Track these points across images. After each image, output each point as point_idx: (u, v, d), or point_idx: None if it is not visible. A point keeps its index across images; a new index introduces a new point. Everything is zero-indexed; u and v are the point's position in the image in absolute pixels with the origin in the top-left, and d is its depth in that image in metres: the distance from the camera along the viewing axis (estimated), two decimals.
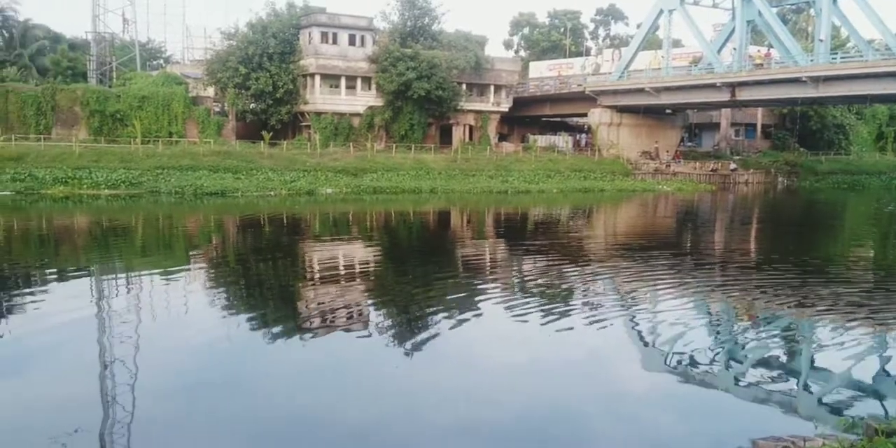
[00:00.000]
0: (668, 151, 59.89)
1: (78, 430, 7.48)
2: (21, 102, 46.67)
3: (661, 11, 54.49)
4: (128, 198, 36.36)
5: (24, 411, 8.14)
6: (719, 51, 53.48)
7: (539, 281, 16.86)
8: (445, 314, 12.93)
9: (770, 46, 53.60)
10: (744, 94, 48.90)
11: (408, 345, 11.13)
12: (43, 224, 27.31)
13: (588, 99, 57.27)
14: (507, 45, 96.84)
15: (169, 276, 16.69)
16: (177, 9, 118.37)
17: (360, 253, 21.68)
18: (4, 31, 68.94)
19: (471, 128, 57.50)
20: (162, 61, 75.30)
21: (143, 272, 17.11)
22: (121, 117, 48.20)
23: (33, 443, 7.18)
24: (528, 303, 14.09)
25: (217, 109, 53.26)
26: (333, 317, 12.92)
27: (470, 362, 10.52)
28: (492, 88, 56.97)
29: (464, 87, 54.71)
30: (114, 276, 16.85)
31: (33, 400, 8.47)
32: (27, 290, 14.71)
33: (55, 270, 17.34)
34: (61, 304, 13.35)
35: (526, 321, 12.60)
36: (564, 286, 16.37)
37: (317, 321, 12.60)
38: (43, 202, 33.74)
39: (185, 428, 7.83)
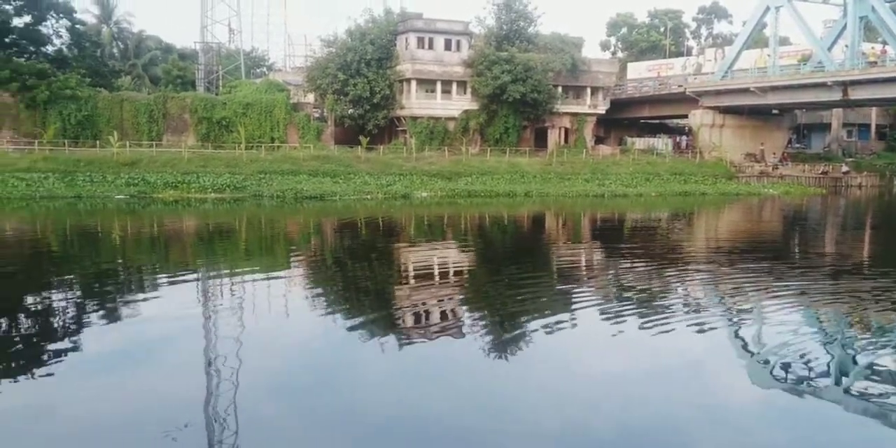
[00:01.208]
0: (774, 153, 57.64)
1: (188, 425, 7.75)
2: (135, 110, 49.12)
3: (768, 8, 52.52)
4: (232, 201, 37.70)
5: (139, 406, 8.50)
6: (830, 48, 51.14)
7: (637, 285, 16.48)
8: (540, 318, 12.80)
9: (885, 43, 50.82)
10: (857, 94, 46.52)
11: (502, 348, 11.07)
12: (154, 227, 28.64)
13: (689, 100, 55.77)
14: (604, 47, 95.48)
15: (270, 278, 17.17)
16: (279, 18, 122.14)
17: (454, 256, 21.76)
18: (120, 43, 72.81)
19: (566, 130, 56.91)
20: (265, 69, 77.86)
21: (246, 273, 17.67)
22: (226, 124, 50.07)
23: (148, 436, 7.49)
24: (625, 307, 13.79)
25: (317, 115, 54.62)
26: (429, 319, 12.99)
27: (565, 367, 10.37)
28: (588, 90, 56.23)
29: (559, 89, 54.22)
30: (219, 276, 17.47)
31: (146, 395, 8.84)
32: (140, 290, 15.43)
33: (165, 271, 18.13)
34: (171, 303, 13.94)
35: (623, 326, 12.33)
36: (663, 291, 15.95)
37: (412, 323, 12.69)
38: (154, 205, 35.37)
39: (286, 427, 8.01)
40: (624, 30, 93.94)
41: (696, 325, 12.49)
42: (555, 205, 40.53)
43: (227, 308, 13.64)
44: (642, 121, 65.95)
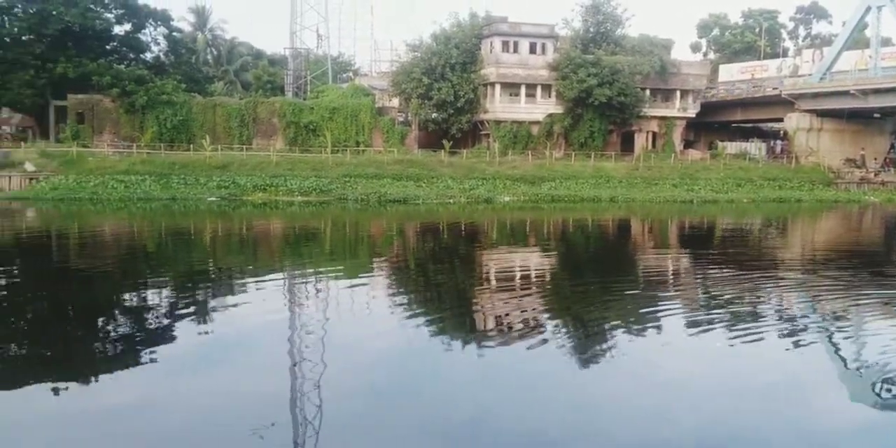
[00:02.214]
0: (875, 159, 54.96)
1: (275, 424, 7.84)
2: (227, 115, 50.64)
3: (869, 8, 50.14)
4: (318, 204, 38.38)
5: (228, 403, 8.66)
6: None
7: (727, 294, 15.89)
8: (624, 326, 12.47)
9: None
10: None
11: (585, 356, 10.82)
12: (243, 228, 29.39)
13: (784, 103, 53.75)
14: (695, 48, 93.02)
15: (354, 280, 17.32)
16: (366, 24, 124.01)
17: (537, 261, 21.51)
18: (213, 49, 75.32)
19: (654, 134, 55.70)
20: (351, 74, 79.15)
21: (330, 275, 17.88)
22: (313, 128, 51.07)
23: (237, 433, 7.62)
24: (714, 317, 13.29)
25: (401, 119, 55.12)
26: (510, 324, 12.82)
27: (649, 377, 10.03)
28: (678, 93, 54.89)
29: (647, 92, 53.15)
30: (305, 278, 17.74)
31: (235, 393, 9.00)
32: (229, 291, 15.80)
33: (254, 272, 18.53)
34: (259, 304, 14.21)
35: (712, 336, 11.87)
36: (755, 300, 15.31)
37: (494, 328, 12.55)
38: (244, 208, 36.33)
39: (368, 429, 8.00)
40: (716, 31, 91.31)
41: (790, 336, 11.93)
42: (641, 210, 39.68)
43: (312, 309, 13.81)
44: (734, 124, 63.93)
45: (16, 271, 18.57)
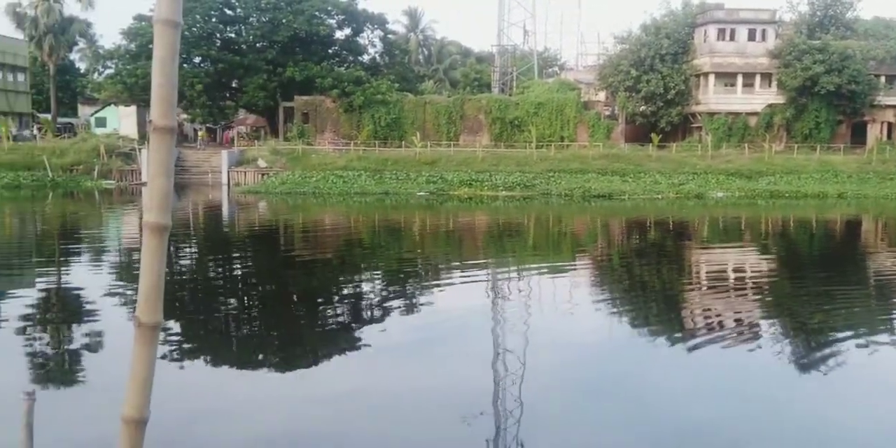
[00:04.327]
0: None
1: (483, 413, 8.02)
2: (435, 112, 52.37)
3: None
4: (522, 199, 38.70)
5: (436, 390, 8.99)
6: None
7: None
8: (852, 333, 11.45)
9: None
10: None
11: (805, 364, 10.08)
12: (450, 222, 30.30)
13: None
14: None
15: (556, 274, 17.30)
16: (573, 18, 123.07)
17: (751, 261, 20.30)
18: (425, 49, 78.20)
19: (890, 125, 50.56)
20: (557, 69, 78.94)
21: (534, 270, 17.99)
22: (518, 123, 51.52)
23: (449, 419, 7.90)
24: None
25: (607, 113, 54.21)
26: (720, 326, 12.22)
27: (880, 390, 9.12)
28: None
29: (882, 79, 48.35)
30: (508, 272, 17.98)
31: (442, 381, 9.33)
32: (436, 281, 16.37)
33: (459, 264, 19.05)
34: (464, 295, 14.62)
35: None
36: None
37: (704, 330, 12.02)
38: (450, 202, 37.44)
39: (569, 424, 7.97)
40: None
41: None
42: (874, 208, 36.20)
43: (516, 303, 13.96)
44: None
45: (249, 258, 20.44)
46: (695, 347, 10.79)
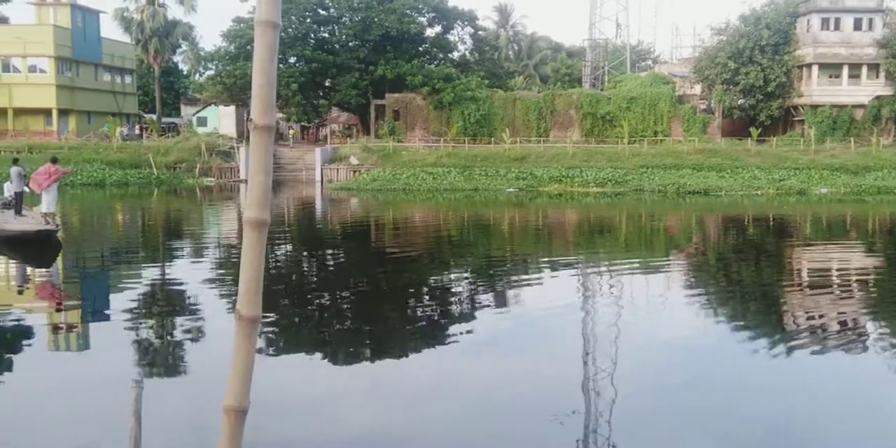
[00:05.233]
0: None
1: (574, 412, 7.93)
2: (525, 108, 52.10)
3: None
4: (613, 195, 38.08)
5: (524, 387, 8.94)
6: None
7: None
8: None
9: None
10: None
11: None
12: (540, 218, 30.11)
13: None
14: None
15: (649, 272, 16.95)
16: (667, 9, 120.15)
17: (857, 260, 19.36)
18: (514, 45, 77.90)
19: None
20: (650, 62, 77.25)
21: (624, 267, 17.67)
22: (610, 118, 50.70)
23: (539, 417, 7.84)
24: None
25: (703, 107, 52.73)
26: (823, 328, 11.70)
27: None
28: None
29: None
30: (598, 268, 17.72)
31: (530, 378, 9.28)
32: (524, 278, 16.30)
33: (548, 260, 18.91)
34: (553, 291, 14.49)
35: None
36: None
37: (805, 331, 11.53)
38: (540, 198, 37.18)
39: (661, 425, 7.79)
40: None
41: None
42: None
43: (607, 300, 13.76)
44: None
45: (341, 254, 20.86)
46: (795, 349, 10.36)
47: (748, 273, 17.34)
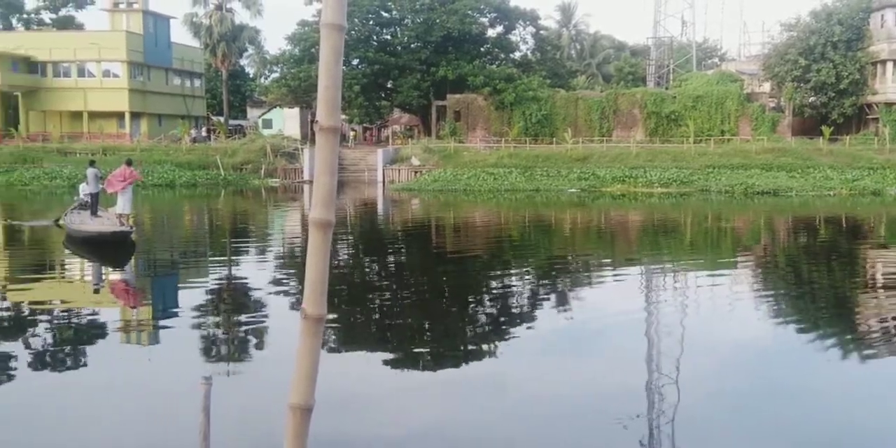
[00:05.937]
0: None
1: (638, 416, 7.82)
2: (588, 108, 51.58)
3: None
4: (678, 196, 37.38)
5: (587, 391, 8.85)
6: None
7: None
8: None
9: None
10: None
11: None
12: (602, 219, 29.76)
13: None
14: None
15: (715, 274, 16.58)
16: (735, 5, 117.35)
17: None
18: (577, 44, 77.18)
19: None
20: (717, 60, 75.60)
21: (689, 268, 17.33)
22: (675, 118, 49.80)
23: (603, 420, 7.77)
24: None
25: (772, 105, 51.37)
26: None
27: None
28: None
29: None
30: (662, 270, 17.42)
31: (593, 381, 9.18)
32: (586, 279, 16.14)
33: (611, 262, 18.68)
34: (615, 293, 14.33)
35: None
36: None
37: (876, 337, 11.12)
38: (602, 199, 36.75)
39: (726, 430, 7.61)
40: None
41: None
42: None
43: (671, 303, 13.52)
44: None
45: (403, 253, 20.99)
46: (868, 357, 10.00)
47: (819, 275, 16.82)
